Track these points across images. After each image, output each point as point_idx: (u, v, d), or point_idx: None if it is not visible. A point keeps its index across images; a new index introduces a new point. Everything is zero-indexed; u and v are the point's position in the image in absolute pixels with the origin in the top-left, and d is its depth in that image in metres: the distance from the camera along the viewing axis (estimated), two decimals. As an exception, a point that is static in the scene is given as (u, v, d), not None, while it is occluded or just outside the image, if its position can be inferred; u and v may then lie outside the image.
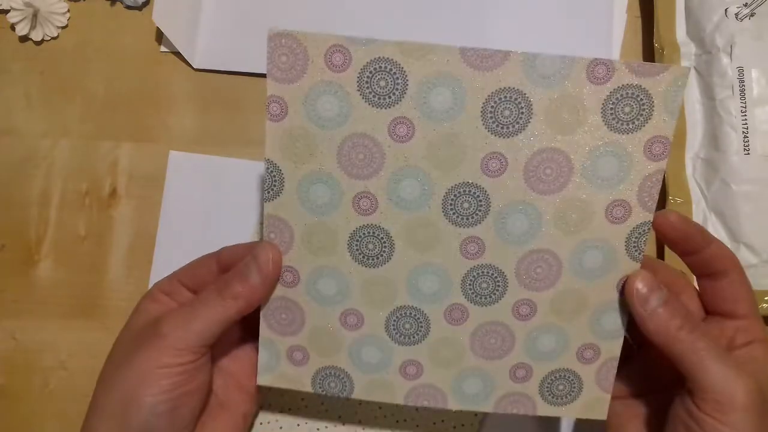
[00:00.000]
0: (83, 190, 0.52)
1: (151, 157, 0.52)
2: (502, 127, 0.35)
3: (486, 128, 0.35)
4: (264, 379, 0.41)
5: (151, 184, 0.51)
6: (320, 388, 0.40)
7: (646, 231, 0.37)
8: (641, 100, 0.35)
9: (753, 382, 0.33)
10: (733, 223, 0.48)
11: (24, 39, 0.53)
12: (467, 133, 0.35)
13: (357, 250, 0.38)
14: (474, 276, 0.38)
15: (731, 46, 0.47)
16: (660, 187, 0.36)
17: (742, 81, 0.47)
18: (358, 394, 0.40)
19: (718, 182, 0.48)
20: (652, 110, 0.35)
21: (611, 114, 0.35)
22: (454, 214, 0.37)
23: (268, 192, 0.37)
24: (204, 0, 0.53)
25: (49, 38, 0.53)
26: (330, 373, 0.40)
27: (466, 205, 0.36)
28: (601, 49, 0.52)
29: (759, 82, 0.47)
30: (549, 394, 0.40)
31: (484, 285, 0.38)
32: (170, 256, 0.50)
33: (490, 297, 0.38)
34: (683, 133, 0.49)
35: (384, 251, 0.37)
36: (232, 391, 0.42)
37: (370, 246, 0.37)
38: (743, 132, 0.47)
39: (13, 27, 0.52)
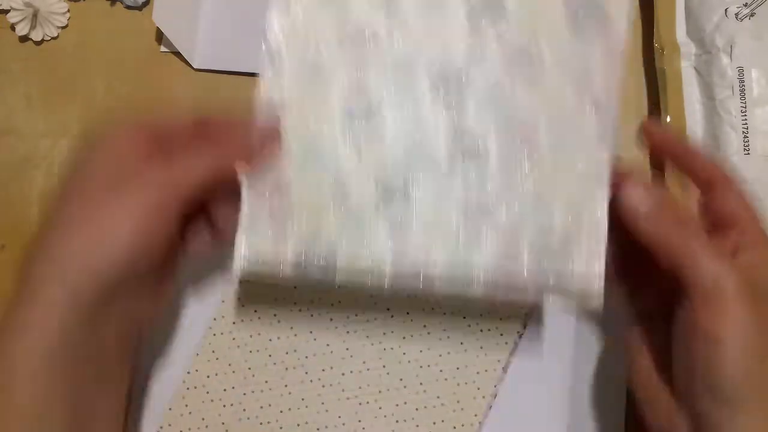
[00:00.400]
0: (83, 190, 0.52)
1: (152, 156, 0.52)
2: None
3: None
4: None
5: (151, 183, 0.51)
6: None
7: None
8: None
9: (744, 277, 0.33)
10: (732, 223, 0.48)
11: (24, 39, 0.53)
12: None
13: None
14: None
15: (731, 46, 0.47)
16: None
17: (742, 81, 0.47)
18: None
19: (719, 182, 0.48)
20: None
21: None
22: None
23: None
24: (204, 0, 0.53)
25: (49, 38, 0.53)
26: None
27: None
28: (601, 48, 0.52)
29: (759, 82, 0.47)
30: None
31: None
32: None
33: None
34: (683, 133, 0.49)
35: None
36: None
37: None
38: (743, 132, 0.47)
39: (13, 27, 0.52)
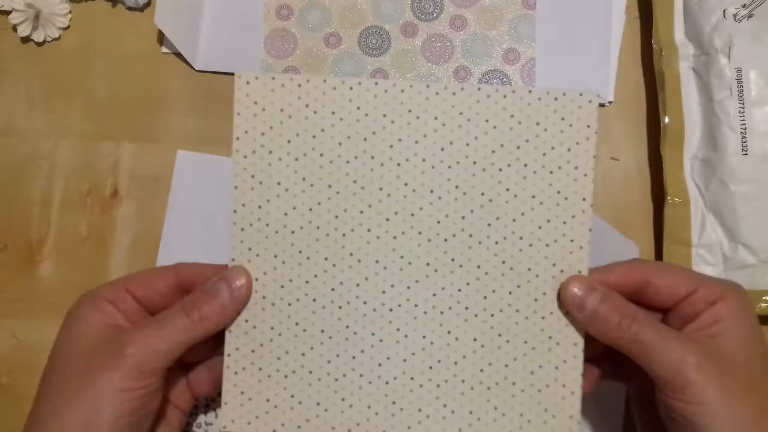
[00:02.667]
0: (85, 191, 0.52)
1: (153, 157, 0.52)
2: None
3: None
4: None
5: (152, 184, 0.52)
6: None
7: None
8: None
9: (700, 350, 0.33)
10: (731, 224, 0.48)
11: (26, 40, 0.53)
12: None
13: None
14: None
15: (729, 47, 0.48)
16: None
17: (740, 82, 0.47)
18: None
19: (716, 182, 0.48)
20: None
21: None
22: None
23: None
24: (205, 1, 0.53)
25: (51, 39, 0.53)
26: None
27: None
28: (599, 50, 0.52)
29: (757, 82, 0.47)
30: None
31: (427, 6, 0.52)
32: (175, 256, 0.50)
33: (432, 14, 0.52)
34: (681, 134, 0.49)
35: None
36: (177, 391, 0.42)
37: None
38: (741, 132, 0.47)
39: (14, 28, 0.52)
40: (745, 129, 0.47)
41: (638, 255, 0.50)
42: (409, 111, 0.38)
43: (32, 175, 0.52)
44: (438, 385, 0.38)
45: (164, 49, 0.53)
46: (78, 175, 0.52)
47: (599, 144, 0.52)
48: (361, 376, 0.38)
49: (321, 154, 0.38)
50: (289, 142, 0.38)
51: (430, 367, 0.38)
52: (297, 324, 0.38)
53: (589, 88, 0.50)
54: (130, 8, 0.53)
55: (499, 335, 0.38)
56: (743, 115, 0.47)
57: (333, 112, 0.38)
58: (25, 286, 0.51)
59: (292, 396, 0.38)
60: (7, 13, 0.52)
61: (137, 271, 0.40)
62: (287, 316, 0.38)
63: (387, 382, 0.38)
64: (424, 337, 0.38)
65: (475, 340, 0.38)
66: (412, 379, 0.38)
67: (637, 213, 0.51)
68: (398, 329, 0.38)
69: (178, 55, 0.52)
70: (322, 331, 0.38)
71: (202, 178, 0.51)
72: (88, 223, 0.52)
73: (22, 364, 0.51)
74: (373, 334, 0.38)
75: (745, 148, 0.47)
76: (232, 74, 0.52)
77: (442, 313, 0.38)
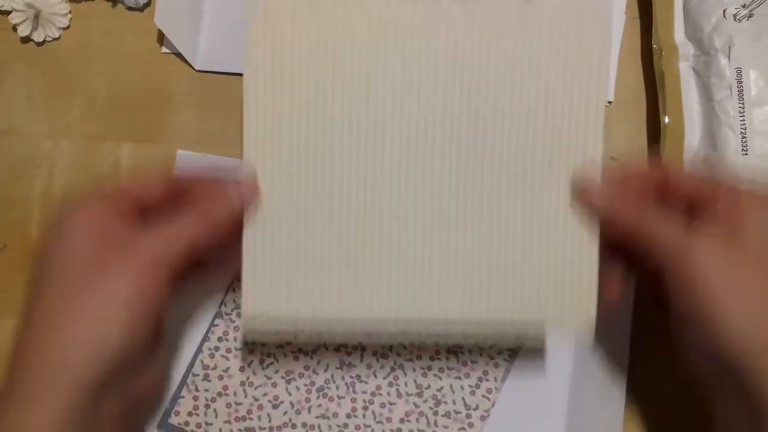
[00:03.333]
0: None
1: (153, 157, 0.52)
2: None
3: None
4: None
5: (152, 184, 0.52)
6: None
7: None
8: None
9: (715, 240, 0.33)
10: (731, 223, 0.48)
11: (26, 40, 0.53)
12: None
13: None
14: None
15: (729, 47, 0.48)
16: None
17: (740, 82, 0.47)
18: None
19: (717, 183, 0.48)
20: None
21: None
22: None
23: None
24: (205, 1, 0.53)
25: (51, 39, 0.53)
26: None
27: None
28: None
29: (757, 83, 0.47)
30: None
31: None
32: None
33: None
34: (681, 134, 0.49)
35: None
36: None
37: None
38: (741, 133, 0.47)
39: (14, 28, 0.52)
40: (745, 129, 0.47)
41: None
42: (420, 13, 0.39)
43: (32, 175, 0.52)
44: (457, 274, 0.40)
45: (164, 49, 0.53)
46: (78, 175, 0.52)
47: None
48: (376, 249, 0.40)
49: (332, 52, 0.39)
50: (299, 42, 0.39)
51: (448, 255, 0.40)
52: (312, 209, 0.40)
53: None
54: (130, 8, 0.53)
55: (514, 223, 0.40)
56: (743, 115, 0.47)
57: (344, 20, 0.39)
58: (25, 286, 0.51)
59: (310, 277, 0.40)
60: (7, 12, 0.52)
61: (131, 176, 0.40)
62: (302, 202, 0.40)
63: (402, 257, 0.40)
64: (439, 224, 0.40)
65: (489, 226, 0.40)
66: (430, 256, 0.40)
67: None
68: (409, 211, 0.40)
69: (178, 55, 0.52)
70: (336, 212, 0.40)
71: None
72: (88, 223, 0.52)
73: (22, 364, 0.50)
74: (386, 211, 0.40)
75: (745, 148, 0.47)
76: (232, 74, 0.53)
77: (456, 197, 0.40)
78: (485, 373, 0.45)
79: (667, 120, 0.49)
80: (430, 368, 0.45)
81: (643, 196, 0.37)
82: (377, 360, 0.46)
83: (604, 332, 0.44)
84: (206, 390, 0.45)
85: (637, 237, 0.35)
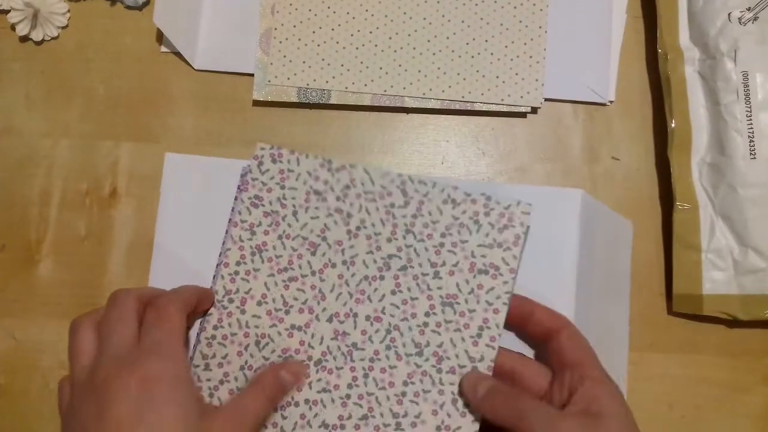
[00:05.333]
0: (83, 190, 0.52)
1: (152, 157, 0.52)
2: None
3: None
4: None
5: (151, 183, 0.51)
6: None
7: None
8: None
9: (576, 423, 0.37)
10: (740, 228, 0.47)
11: (24, 39, 0.53)
12: None
13: None
14: None
15: (735, 51, 0.47)
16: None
17: (746, 85, 0.47)
18: None
19: (725, 187, 0.47)
20: None
21: None
22: None
23: None
24: (204, 1, 0.52)
25: (50, 38, 0.53)
26: None
27: None
28: (600, 49, 0.51)
29: (764, 86, 0.47)
30: None
31: None
32: (168, 258, 0.50)
33: None
34: (689, 138, 0.48)
35: None
36: None
37: None
38: (749, 136, 0.47)
39: (13, 27, 0.52)
40: (752, 132, 0.47)
41: (632, 234, 0.51)
42: None
43: (31, 174, 0.52)
44: (434, 54, 0.52)
45: (163, 49, 0.53)
46: (77, 175, 0.52)
47: (600, 143, 0.51)
48: (375, 45, 0.52)
49: None
50: None
51: (428, 41, 0.51)
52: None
53: (590, 87, 0.50)
54: (128, 7, 0.53)
55: (481, 19, 0.51)
56: (750, 119, 0.47)
57: None
58: (24, 285, 0.51)
59: (323, 60, 0.51)
60: (6, 12, 0.52)
61: (180, 306, 0.41)
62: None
63: (395, 51, 0.51)
64: (424, 18, 0.52)
65: (462, 21, 0.51)
66: (414, 48, 0.52)
67: (637, 212, 0.51)
68: (405, 13, 0.52)
69: (177, 54, 0.52)
70: (347, 14, 0.52)
71: (192, 179, 0.51)
72: (87, 223, 0.52)
73: (20, 365, 0.51)
74: (385, 15, 0.52)
75: (753, 152, 0.47)
76: (232, 74, 0.52)
77: (438, 2, 0.52)
78: (485, 321, 0.44)
79: (674, 124, 0.48)
80: (426, 324, 0.44)
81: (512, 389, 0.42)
82: (371, 324, 0.45)
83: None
84: (208, 380, 0.45)
85: (515, 424, 0.38)
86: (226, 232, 0.48)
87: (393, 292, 0.45)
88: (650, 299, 0.50)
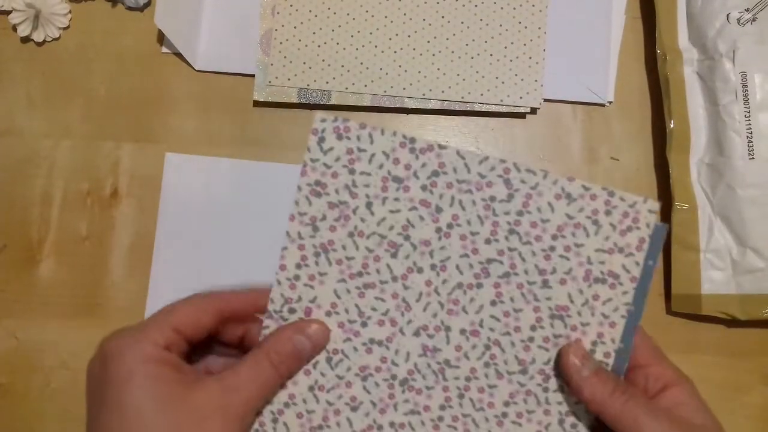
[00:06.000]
0: (85, 191, 0.52)
1: (153, 157, 0.52)
2: None
3: None
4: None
5: (152, 184, 0.52)
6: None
7: None
8: None
9: (684, 429, 0.34)
10: (739, 228, 0.47)
11: (26, 40, 0.53)
12: None
13: None
14: None
15: (734, 51, 0.47)
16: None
17: (745, 86, 0.47)
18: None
19: (724, 187, 0.47)
20: None
21: None
22: None
23: None
24: (205, 1, 0.53)
25: (51, 39, 0.53)
26: None
27: None
28: (599, 50, 0.52)
29: (762, 86, 0.47)
30: None
31: None
32: (169, 258, 0.50)
33: None
34: (688, 139, 0.49)
35: None
36: None
37: None
38: (747, 137, 0.47)
39: (14, 28, 0.52)
40: (751, 133, 0.47)
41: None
42: None
43: (32, 175, 0.52)
44: (434, 54, 0.52)
45: (164, 49, 0.53)
46: (78, 175, 0.52)
47: (599, 144, 0.51)
48: (375, 46, 0.52)
49: None
50: None
51: (428, 42, 0.52)
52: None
53: (589, 88, 0.50)
54: (130, 8, 0.53)
55: (481, 20, 0.51)
56: (749, 119, 0.47)
57: None
58: (25, 285, 0.51)
59: (323, 60, 0.51)
60: (7, 12, 0.52)
61: (175, 305, 0.36)
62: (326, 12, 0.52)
63: (395, 52, 0.52)
64: (424, 19, 0.52)
65: (462, 22, 0.52)
66: (414, 49, 0.52)
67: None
68: (405, 14, 0.52)
69: (178, 55, 0.52)
70: (348, 15, 0.52)
71: (192, 179, 0.51)
72: (88, 223, 0.52)
73: (21, 364, 0.51)
74: (385, 17, 0.52)
75: (751, 153, 0.47)
76: (232, 74, 0.53)
77: (438, 3, 0.52)
78: (600, 335, 0.38)
79: (672, 125, 0.48)
80: (532, 339, 0.38)
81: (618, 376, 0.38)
82: (467, 339, 0.38)
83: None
84: (269, 403, 0.39)
85: (617, 416, 0.36)
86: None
87: (493, 303, 0.38)
88: (649, 299, 0.49)
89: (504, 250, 0.38)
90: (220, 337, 0.39)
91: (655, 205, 0.37)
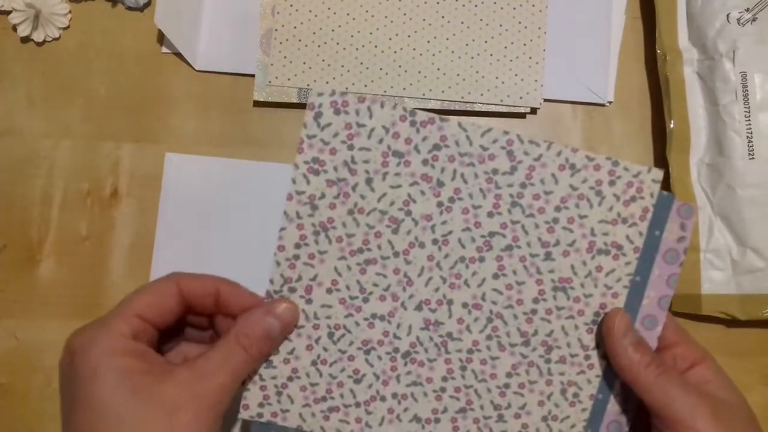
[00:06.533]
0: (85, 191, 0.52)
1: (153, 157, 0.52)
2: None
3: None
4: None
5: (152, 184, 0.52)
6: None
7: None
8: None
9: (711, 406, 0.35)
10: (739, 228, 0.48)
11: (26, 40, 0.53)
12: None
13: None
14: None
15: (734, 52, 0.47)
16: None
17: (745, 86, 0.47)
18: None
19: (724, 187, 0.47)
20: None
21: None
22: None
23: None
24: (205, 1, 0.53)
25: (51, 39, 0.53)
26: None
27: None
28: (599, 50, 0.52)
29: (762, 86, 0.47)
30: None
31: None
32: (169, 258, 0.50)
33: None
34: (687, 139, 0.49)
35: None
36: None
37: None
38: (747, 137, 0.47)
39: (14, 28, 0.52)
40: (751, 133, 0.47)
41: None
42: None
43: (32, 175, 0.52)
44: (434, 54, 0.51)
45: (164, 49, 0.53)
46: (78, 175, 0.52)
47: (599, 144, 0.51)
48: (375, 46, 0.51)
49: None
50: None
51: (428, 42, 0.51)
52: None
53: (589, 88, 0.50)
54: (130, 8, 0.53)
55: (481, 20, 0.51)
56: (749, 119, 0.47)
57: None
58: (25, 285, 0.51)
59: (323, 60, 0.51)
60: (7, 12, 0.52)
61: (134, 293, 0.36)
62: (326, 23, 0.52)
63: (395, 52, 0.51)
64: (424, 19, 0.51)
65: (462, 22, 0.51)
66: (414, 49, 0.51)
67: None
68: (405, 14, 0.51)
69: (178, 55, 0.52)
70: (348, 15, 0.51)
71: (192, 179, 0.51)
72: (88, 223, 0.52)
73: (21, 364, 0.51)
74: (385, 17, 0.51)
75: (751, 153, 0.47)
76: (232, 74, 0.52)
77: (438, 3, 0.51)
78: (602, 306, 0.38)
79: (672, 125, 0.48)
80: (534, 312, 0.39)
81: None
82: (469, 312, 0.39)
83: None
84: (273, 378, 0.39)
85: (651, 387, 0.37)
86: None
87: (495, 276, 0.38)
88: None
89: (507, 223, 0.38)
90: (190, 322, 0.39)
91: (659, 174, 0.37)
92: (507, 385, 0.39)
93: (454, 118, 0.37)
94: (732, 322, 0.49)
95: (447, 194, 0.38)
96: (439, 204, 0.38)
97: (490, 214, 0.38)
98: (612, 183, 0.37)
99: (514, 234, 0.38)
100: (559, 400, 0.39)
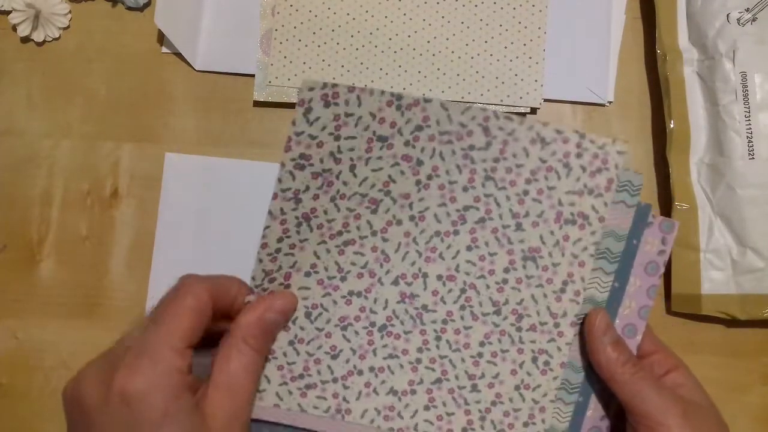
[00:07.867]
0: (85, 190, 0.52)
1: (153, 157, 0.52)
2: None
3: None
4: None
5: (152, 184, 0.52)
6: None
7: None
8: None
9: (683, 407, 0.37)
10: (739, 228, 0.47)
11: (26, 40, 0.53)
12: None
13: None
14: None
15: (734, 52, 0.47)
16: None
17: (745, 86, 0.47)
18: None
19: (724, 187, 0.47)
20: None
21: None
22: None
23: None
24: (205, 1, 0.53)
25: (51, 39, 0.53)
26: None
27: None
28: (599, 50, 0.52)
29: (762, 86, 0.47)
30: None
31: None
32: (169, 258, 0.50)
33: None
34: (687, 139, 0.49)
35: None
36: None
37: None
38: (747, 137, 0.47)
39: (14, 28, 0.52)
40: (751, 133, 0.47)
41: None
42: None
43: (32, 175, 0.52)
44: (434, 54, 0.51)
45: (164, 49, 0.53)
46: (78, 175, 0.52)
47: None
48: (375, 46, 0.52)
49: None
50: None
51: (428, 42, 0.51)
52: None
53: (589, 88, 0.50)
54: (130, 8, 0.53)
55: (481, 20, 0.51)
56: (749, 119, 0.47)
57: None
58: (25, 285, 0.51)
59: (323, 60, 0.51)
60: (7, 13, 0.52)
61: (173, 309, 0.34)
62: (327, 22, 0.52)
63: (395, 52, 0.52)
64: (424, 20, 0.52)
65: (462, 22, 0.51)
66: (414, 49, 0.52)
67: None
68: (405, 14, 0.51)
69: (178, 55, 0.52)
70: (348, 15, 0.52)
71: (192, 179, 0.51)
72: (88, 223, 0.52)
73: (21, 364, 0.51)
74: (385, 17, 0.51)
75: (751, 153, 0.47)
76: (232, 74, 0.53)
77: (437, 3, 0.52)
78: (570, 275, 0.39)
79: (672, 125, 0.48)
80: (505, 281, 0.39)
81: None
82: (443, 284, 0.40)
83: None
84: None
85: (626, 385, 0.38)
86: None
87: (469, 248, 0.39)
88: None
89: (480, 196, 0.38)
90: None
91: (623, 147, 0.38)
92: (480, 354, 0.40)
93: (437, 99, 0.37)
94: (732, 322, 0.49)
95: (425, 172, 0.38)
96: (418, 182, 0.38)
97: (464, 189, 0.38)
98: (579, 155, 0.38)
99: (487, 207, 0.39)
100: (531, 368, 0.40)
